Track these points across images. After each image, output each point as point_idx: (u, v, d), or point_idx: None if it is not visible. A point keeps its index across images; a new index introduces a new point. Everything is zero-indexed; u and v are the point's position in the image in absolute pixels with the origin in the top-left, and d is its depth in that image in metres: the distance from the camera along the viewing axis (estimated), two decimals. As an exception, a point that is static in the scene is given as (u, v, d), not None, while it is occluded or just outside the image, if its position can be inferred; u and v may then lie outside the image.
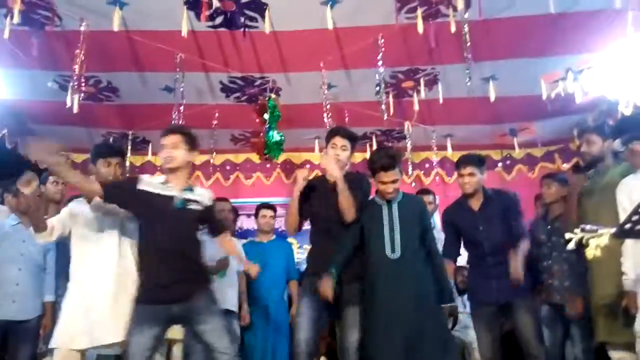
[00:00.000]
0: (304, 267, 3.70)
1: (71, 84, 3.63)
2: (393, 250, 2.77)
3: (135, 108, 4.49)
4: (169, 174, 2.76)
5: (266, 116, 3.77)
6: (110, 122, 4.75)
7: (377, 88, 3.81)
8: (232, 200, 4.65)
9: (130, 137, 4.98)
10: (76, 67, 3.34)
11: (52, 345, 2.82)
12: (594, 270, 2.95)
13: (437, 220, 4.24)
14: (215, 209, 2.94)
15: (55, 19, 3.25)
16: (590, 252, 2.22)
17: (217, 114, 4.50)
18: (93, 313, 2.78)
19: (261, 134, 3.87)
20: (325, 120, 3.95)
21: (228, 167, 5.68)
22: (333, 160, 2.88)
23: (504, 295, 3.07)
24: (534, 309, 3.10)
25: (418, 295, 2.72)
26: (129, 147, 5.00)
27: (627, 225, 2.13)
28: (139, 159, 5.46)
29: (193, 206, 2.74)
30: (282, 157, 4.63)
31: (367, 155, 5.48)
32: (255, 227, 4.48)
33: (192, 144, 2.81)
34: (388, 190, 2.83)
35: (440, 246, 3.13)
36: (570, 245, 2.26)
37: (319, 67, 3.77)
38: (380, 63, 3.54)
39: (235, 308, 3.94)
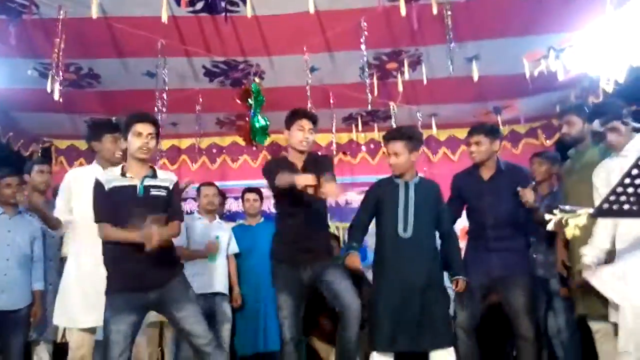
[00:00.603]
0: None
1: (51, 71, 3.59)
2: (405, 230, 2.89)
3: (117, 94, 4.44)
4: (135, 163, 2.70)
5: (250, 101, 3.76)
6: (93, 109, 4.70)
7: (361, 70, 3.82)
8: (219, 183, 4.68)
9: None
10: (55, 54, 3.29)
11: (60, 323, 3.02)
12: (573, 249, 3.03)
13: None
14: (176, 194, 2.83)
15: (32, 7, 3.19)
16: (570, 232, 2.30)
17: (201, 99, 4.47)
18: (97, 292, 2.81)
19: (246, 119, 3.86)
20: (309, 103, 3.95)
21: (214, 151, 5.67)
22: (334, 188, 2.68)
23: (502, 270, 3.05)
24: (530, 287, 3.08)
25: (425, 274, 2.85)
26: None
27: (605, 205, 2.19)
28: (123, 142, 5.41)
29: (155, 192, 2.68)
30: (268, 140, 4.62)
31: (353, 135, 5.55)
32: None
33: (159, 133, 2.80)
34: (389, 161, 2.99)
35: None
36: (550, 226, 2.34)
37: (302, 50, 3.76)
38: (363, 46, 3.53)
39: (225, 290, 3.99)
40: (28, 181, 3.73)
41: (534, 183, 3.26)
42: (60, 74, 3.40)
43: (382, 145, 4.90)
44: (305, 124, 3.01)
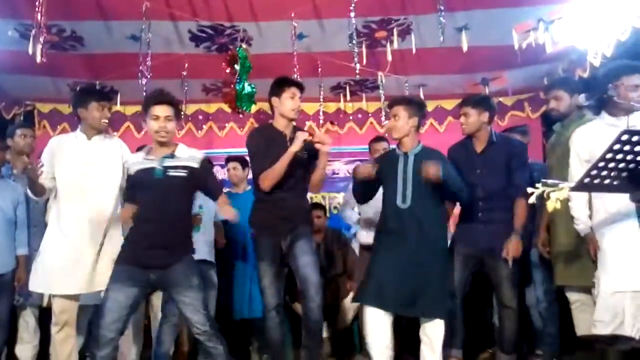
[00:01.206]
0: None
1: (33, 32, 3.49)
2: (404, 201, 2.91)
3: (101, 57, 4.35)
4: (156, 145, 2.74)
5: (237, 67, 3.71)
6: (77, 72, 4.61)
7: (350, 38, 3.77)
8: (205, 151, 4.62)
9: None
10: (37, 15, 3.20)
11: (36, 289, 3.03)
12: (554, 221, 3.08)
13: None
14: (206, 172, 2.82)
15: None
16: (551, 205, 2.33)
17: (186, 64, 4.40)
18: (79, 258, 2.91)
19: (232, 85, 3.82)
20: (295, 70, 3.90)
21: (200, 117, 5.62)
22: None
23: (489, 242, 3.07)
24: (515, 260, 3.08)
25: (425, 245, 2.86)
26: (97, 98, 4.90)
27: (586, 180, 2.21)
28: (108, 109, 5.33)
29: (173, 172, 2.68)
30: (255, 107, 4.57)
31: (341, 105, 5.52)
32: (229, 178, 4.50)
33: (179, 113, 2.81)
34: (388, 124, 3.05)
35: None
36: (532, 199, 2.37)
37: (290, 16, 3.70)
38: (352, 14, 3.48)
39: (211, 257, 4.00)
40: (11, 145, 3.68)
41: None
42: (42, 35, 3.32)
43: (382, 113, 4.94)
44: (296, 91, 3.00)
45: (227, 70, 3.87)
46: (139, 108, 4.93)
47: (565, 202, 2.34)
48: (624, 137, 2.00)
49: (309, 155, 2.97)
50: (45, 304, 3.42)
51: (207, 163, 2.85)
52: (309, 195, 3.61)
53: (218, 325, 2.73)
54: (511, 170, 3.07)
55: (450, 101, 5.46)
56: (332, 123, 5.58)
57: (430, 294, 2.84)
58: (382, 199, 3.07)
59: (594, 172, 2.17)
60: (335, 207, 5.55)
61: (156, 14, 3.61)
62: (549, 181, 2.32)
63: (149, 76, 3.87)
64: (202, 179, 2.76)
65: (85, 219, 2.96)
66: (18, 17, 3.62)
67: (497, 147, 3.16)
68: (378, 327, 2.84)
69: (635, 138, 1.99)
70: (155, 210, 2.65)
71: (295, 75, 3.77)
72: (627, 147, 2.03)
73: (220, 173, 5.49)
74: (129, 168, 2.79)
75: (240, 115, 5.20)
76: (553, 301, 3.49)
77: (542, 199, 2.34)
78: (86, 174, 3.00)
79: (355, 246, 4.33)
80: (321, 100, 4.93)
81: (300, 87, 3.03)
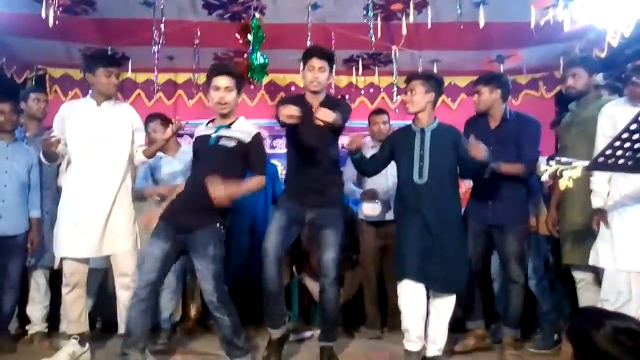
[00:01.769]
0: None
1: (45, -6, 3.47)
2: (420, 176, 2.92)
3: (113, 23, 4.30)
4: (218, 114, 2.83)
5: (250, 37, 3.66)
6: (89, 37, 4.57)
7: (365, 10, 3.71)
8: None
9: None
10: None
11: (55, 252, 3.09)
12: (564, 200, 3.08)
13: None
14: (254, 146, 2.84)
15: None
16: (563, 183, 2.33)
17: (199, 32, 4.36)
18: (88, 223, 2.96)
19: (245, 55, 3.78)
20: (309, 42, 3.86)
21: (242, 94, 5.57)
22: (329, 113, 2.72)
23: (498, 217, 3.15)
24: (523, 235, 3.19)
25: (442, 220, 2.89)
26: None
27: (600, 159, 2.21)
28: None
29: (223, 142, 2.76)
30: (267, 79, 4.55)
31: (353, 79, 5.47)
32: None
33: (241, 86, 2.88)
34: (405, 99, 3.03)
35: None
36: (544, 177, 2.36)
37: (305, -15, 3.65)
38: (369, -16, 3.43)
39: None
40: (24, 109, 3.69)
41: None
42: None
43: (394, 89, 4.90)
44: (315, 62, 2.97)
45: (240, 41, 3.82)
46: (150, 75, 4.94)
47: (578, 181, 2.32)
48: (642, 117, 1.98)
49: (333, 131, 2.95)
50: (56, 266, 3.48)
51: (259, 138, 2.86)
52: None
53: (228, 297, 2.78)
54: (521, 145, 3.09)
55: (463, 78, 5.39)
56: (342, 97, 5.53)
57: (448, 269, 2.87)
58: (397, 175, 3.08)
59: (609, 151, 2.16)
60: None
61: (170, -21, 3.56)
62: (563, 159, 2.31)
63: (161, 42, 3.83)
64: (248, 152, 2.82)
65: (94, 184, 3.00)
66: (31, -21, 3.59)
67: (510, 124, 3.19)
68: (416, 300, 2.88)
69: (653, 118, 1.98)
70: (200, 175, 2.72)
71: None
72: (644, 127, 2.02)
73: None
74: (195, 133, 2.93)
75: (252, 87, 5.19)
76: (542, 278, 3.52)
77: (555, 177, 2.34)
78: (96, 140, 3.03)
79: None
80: (333, 73, 4.87)
81: (322, 56, 2.99)
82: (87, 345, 3.11)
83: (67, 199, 3.04)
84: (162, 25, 3.81)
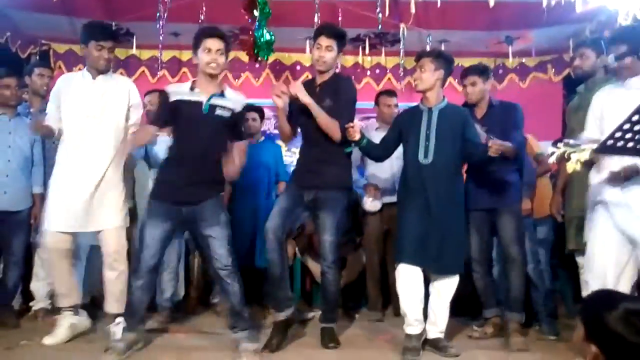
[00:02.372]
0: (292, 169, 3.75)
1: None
2: (426, 156, 2.89)
3: (118, -2, 4.27)
4: (205, 79, 2.75)
5: (256, 13, 3.61)
6: (93, 12, 4.49)
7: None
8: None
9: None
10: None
11: (44, 228, 3.00)
12: (570, 185, 3.05)
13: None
14: (244, 116, 2.87)
15: None
16: (571, 166, 2.30)
17: (204, 8, 4.30)
18: (78, 198, 2.91)
19: (250, 32, 3.73)
20: (316, 19, 3.80)
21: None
22: (301, 88, 2.83)
23: (492, 201, 3.18)
24: (518, 216, 3.22)
25: (444, 201, 2.87)
26: (113, 39, 4.85)
27: (609, 142, 2.17)
28: (123, 52, 5.24)
29: (220, 112, 2.72)
30: (272, 57, 4.49)
31: (359, 59, 5.41)
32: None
33: (229, 49, 2.82)
34: (414, 76, 2.99)
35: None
36: (552, 159, 2.33)
37: (313, -40, 3.58)
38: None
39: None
40: (28, 83, 3.66)
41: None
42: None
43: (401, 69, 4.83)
44: (323, 41, 2.94)
45: (246, 17, 3.77)
46: (155, 52, 4.90)
47: (585, 164, 2.29)
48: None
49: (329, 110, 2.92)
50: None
51: (247, 107, 2.90)
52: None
53: (237, 265, 2.79)
54: (507, 130, 3.08)
55: (471, 59, 5.26)
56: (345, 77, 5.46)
57: (448, 250, 2.87)
58: (403, 154, 3.06)
59: (618, 134, 2.12)
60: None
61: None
62: (571, 141, 2.28)
63: (165, 18, 3.78)
64: (237, 121, 2.82)
65: (85, 158, 2.95)
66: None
67: (496, 110, 3.24)
68: (413, 283, 2.87)
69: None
70: (196, 146, 2.70)
71: (316, 24, 3.66)
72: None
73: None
74: (169, 94, 2.77)
75: (257, 65, 5.15)
76: (538, 262, 3.50)
77: (563, 160, 2.30)
78: (89, 114, 2.98)
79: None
80: (341, 54, 4.81)
81: (330, 35, 2.96)
82: (85, 313, 3.12)
83: (57, 173, 3.00)
84: (167, 0, 3.74)
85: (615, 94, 2.59)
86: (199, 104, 2.71)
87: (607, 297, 1.43)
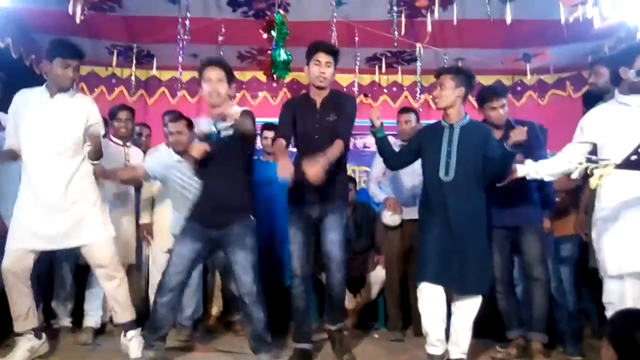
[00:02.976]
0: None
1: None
2: (447, 173, 2.87)
3: (139, 20, 4.36)
4: (212, 110, 2.82)
5: (273, 33, 3.66)
6: (115, 34, 4.64)
7: (390, 6, 3.68)
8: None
9: (134, 50, 4.89)
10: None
11: (8, 247, 2.83)
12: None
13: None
14: (247, 114, 2.81)
15: None
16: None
17: (223, 29, 4.38)
18: (46, 216, 2.83)
19: (268, 52, 3.78)
20: (333, 39, 3.84)
21: (234, 85, 5.59)
22: (316, 171, 2.63)
23: (515, 219, 3.15)
24: (542, 235, 3.19)
25: (466, 219, 2.84)
26: (134, 61, 4.95)
27: (633, 157, 2.14)
28: (143, 73, 5.35)
29: (225, 132, 2.74)
30: (289, 77, 4.53)
31: (376, 77, 5.43)
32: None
33: (232, 78, 2.88)
34: (434, 94, 2.98)
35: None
36: (574, 175, 2.30)
37: (329, -18, 3.63)
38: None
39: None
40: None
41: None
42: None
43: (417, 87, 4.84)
44: (322, 57, 2.95)
45: (265, 36, 3.82)
46: (175, 73, 4.97)
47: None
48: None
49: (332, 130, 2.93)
50: (81, 261, 3.50)
51: (247, 112, 2.85)
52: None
53: (262, 291, 2.84)
54: (532, 149, 3.04)
55: (488, 77, 5.29)
56: (365, 95, 5.49)
57: (472, 270, 2.81)
58: (422, 171, 3.04)
59: (643, 149, 2.09)
60: (365, 181, 5.51)
61: (195, -23, 3.58)
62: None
63: (186, 38, 3.85)
64: (240, 124, 2.76)
65: (42, 177, 2.84)
66: (59, -24, 3.64)
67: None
68: (435, 302, 2.83)
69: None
70: (216, 172, 2.80)
71: (336, 44, 3.69)
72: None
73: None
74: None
75: (274, 84, 5.20)
76: (560, 281, 3.43)
77: (586, 176, 2.27)
78: (44, 133, 2.85)
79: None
80: (356, 71, 4.86)
81: (329, 52, 2.97)
82: (44, 336, 2.99)
83: (20, 192, 2.89)
84: (187, 22, 3.82)
85: (617, 112, 2.55)
86: (209, 135, 2.79)
87: (636, 317, 1.39)
